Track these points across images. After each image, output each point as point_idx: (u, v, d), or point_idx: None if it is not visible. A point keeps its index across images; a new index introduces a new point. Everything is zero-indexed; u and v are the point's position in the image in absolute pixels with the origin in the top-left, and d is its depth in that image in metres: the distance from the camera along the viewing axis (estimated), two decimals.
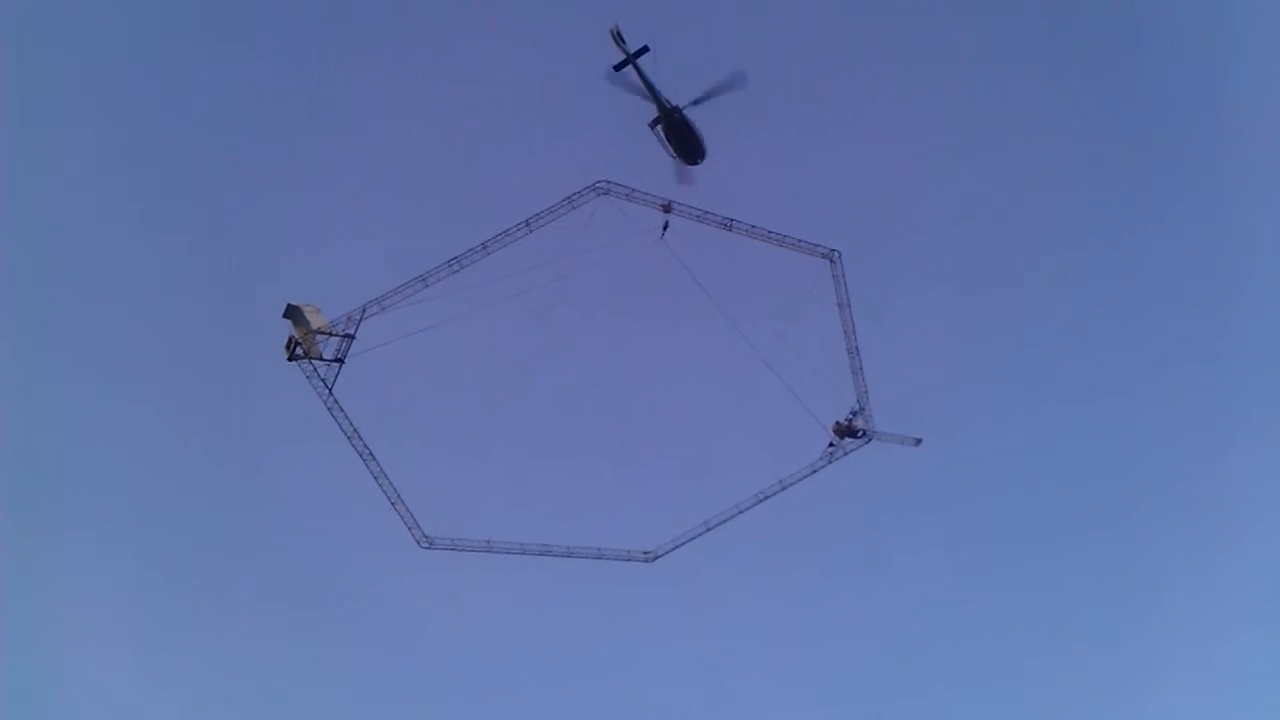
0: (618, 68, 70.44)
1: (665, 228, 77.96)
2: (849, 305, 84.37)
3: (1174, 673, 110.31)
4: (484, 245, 71.22)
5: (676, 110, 74.34)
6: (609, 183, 73.95)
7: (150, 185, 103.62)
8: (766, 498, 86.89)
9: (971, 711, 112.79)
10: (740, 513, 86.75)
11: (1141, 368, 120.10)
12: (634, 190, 74.93)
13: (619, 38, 69.37)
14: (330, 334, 68.40)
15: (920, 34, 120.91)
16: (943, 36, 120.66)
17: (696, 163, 78.01)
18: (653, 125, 75.23)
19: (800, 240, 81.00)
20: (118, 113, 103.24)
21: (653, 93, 72.35)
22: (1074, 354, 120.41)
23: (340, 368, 69.17)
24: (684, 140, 75.74)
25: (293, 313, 68.89)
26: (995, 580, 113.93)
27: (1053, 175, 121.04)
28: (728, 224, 78.79)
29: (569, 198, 72.65)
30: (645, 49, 69.59)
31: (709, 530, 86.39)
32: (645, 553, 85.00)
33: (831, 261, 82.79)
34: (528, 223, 72.24)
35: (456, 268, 70.86)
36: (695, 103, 73.87)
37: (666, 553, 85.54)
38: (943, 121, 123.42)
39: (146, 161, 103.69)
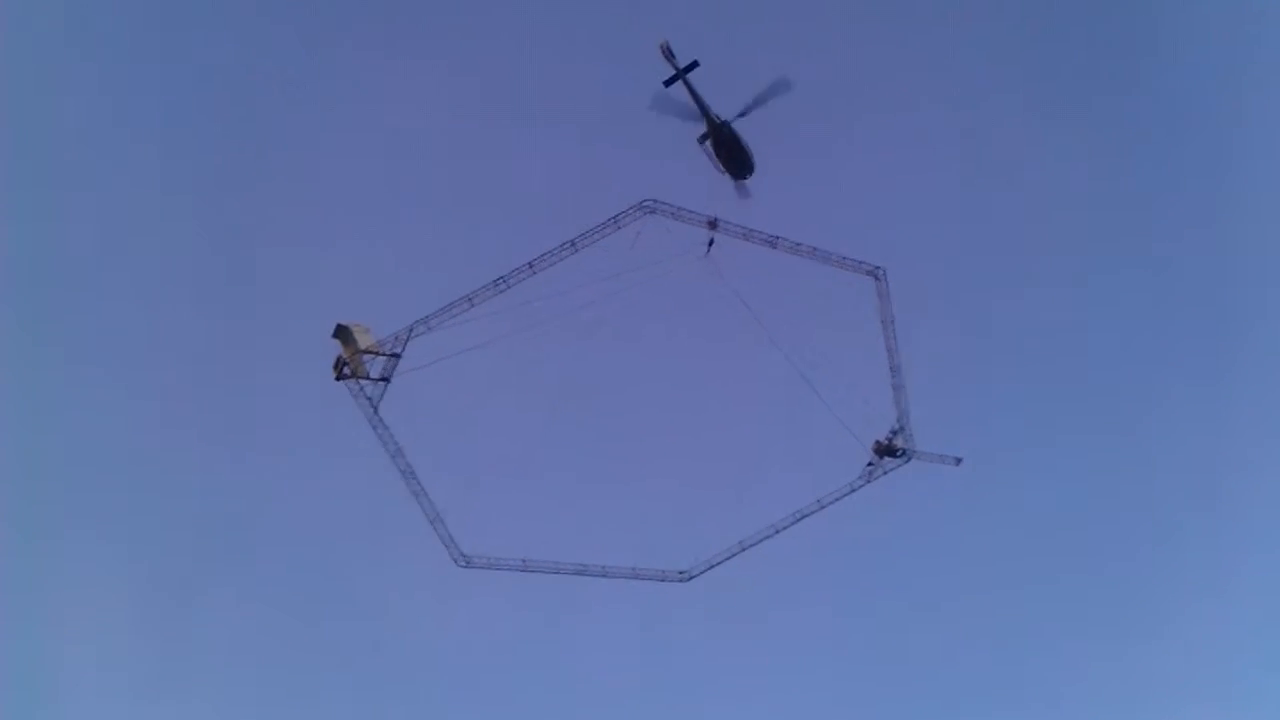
0: (668, 83, 70.50)
1: (710, 244, 77.73)
2: (893, 323, 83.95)
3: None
4: (530, 265, 71.19)
5: (726, 125, 74.29)
6: (655, 201, 73.84)
7: (196, 202, 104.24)
8: (804, 517, 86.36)
9: None
10: (777, 532, 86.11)
11: (1191, 386, 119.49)
12: (679, 209, 74.82)
13: (669, 53, 69.45)
14: (377, 353, 68.40)
15: (966, 44, 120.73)
16: (988, 47, 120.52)
17: (745, 177, 78.00)
18: (701, 140, 75.25)
19: (845, 258, 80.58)
20: (162, 128, 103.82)
21: (702, 108, 72.36)
22: (1117, 373, 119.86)
23: (386, 386, 69.11)
24: (733, 155, 75.74)
25: (341, 332, 69.13)
26: (1034, 601, 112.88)
27: (1101, 194, 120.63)
28: (772, 241, 78.57)
29: (614, 217, 72.64)
30: (695, 64, 69.72)
31: (745, 550, 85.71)
32: (681, 572, 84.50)
33: (876, 279, 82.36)
34: (573, 242, 72.20)
35: (503, 287, 70.87)
36: (742, 114, 73.89)
37: (702, 572, 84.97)
38: (986, 132, 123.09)
39: (193, 178, 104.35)
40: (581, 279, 72.22)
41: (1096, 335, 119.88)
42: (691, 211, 75.24)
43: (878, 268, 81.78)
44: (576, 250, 71.97)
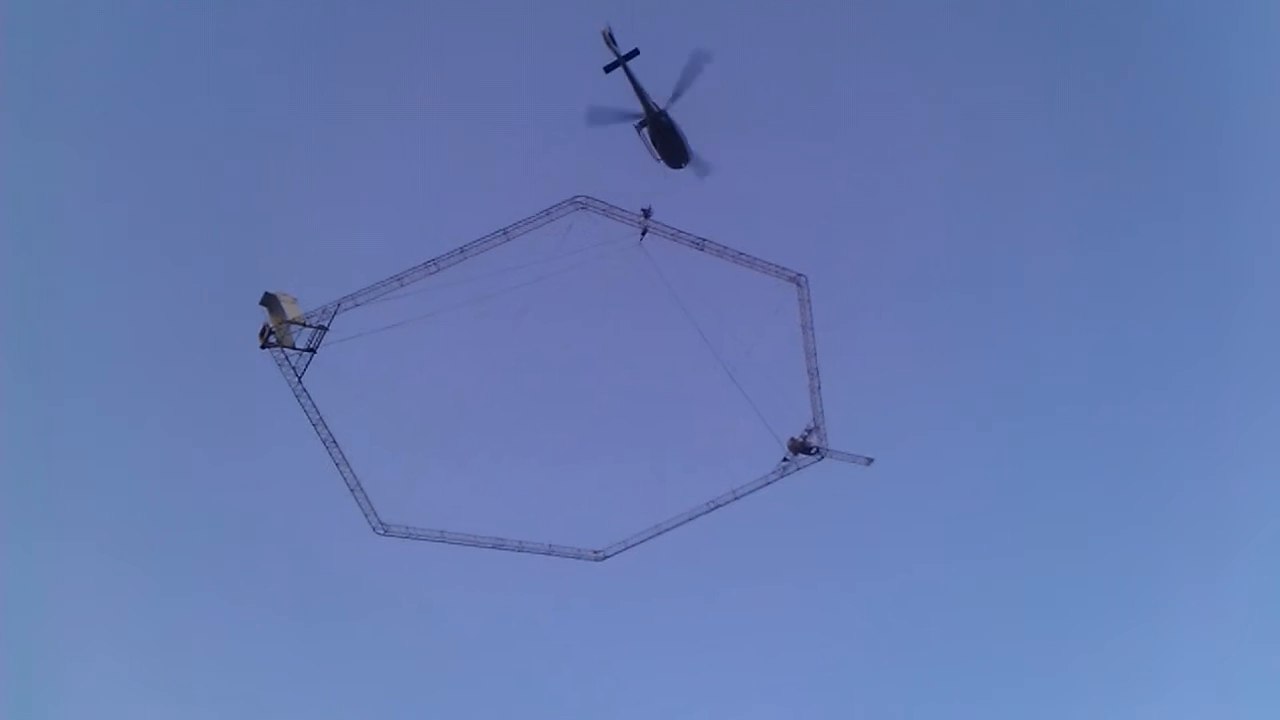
0: (608, 69, 72.94)
1: (644, 233, 79.64)
2: (812, 328, 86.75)
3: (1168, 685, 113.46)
4: (461, 250, 72.70)
5: (663, 114, 76.35)
6: (586, 198, 75.54)
7: (138, 175, 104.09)
8: (718, 506, 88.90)
9: None
10: (691, 519, 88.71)
11: (1107, 393, 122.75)
12: (611, 206, 76.64)
13: (610, 39, 71.62)
14: (304, 325, 69.82)
15: (903, 40, 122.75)
16: (924, 44, 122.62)
17: (680, 166, 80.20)
18: (639, 128, 77.27)
19: (769, 263, 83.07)
20: (109, 104, 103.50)
21: (641, 95, 74.57)
22: (1037, 376, 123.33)
23: (311, 357, 70.67)
24: (669, 143, 77.82)
25: (269, 300, 70.35)
26: (932, 596, 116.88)
27: (1022, 193, 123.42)
28: (700, 243, 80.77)
29: (547, 210, 74.22)
30: (636, 52, 72.35)
31: (660, 534, 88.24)
32: (595, 551, 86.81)
33: (798, 285, 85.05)
34: (505, 231, 73.79)
35: (433, 269, 72.31)
36: (674, 97, 75.95)
37: (616, 553, 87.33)
38: (921, 133, 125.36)
39: (136, 151, 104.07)
40: (511, 266, 73.71)
41: (1018, 339, 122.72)
42: (622, 210, 77.15)
43: (799, 275, 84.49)
44: (508, 239, 73.56)
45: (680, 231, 78.98)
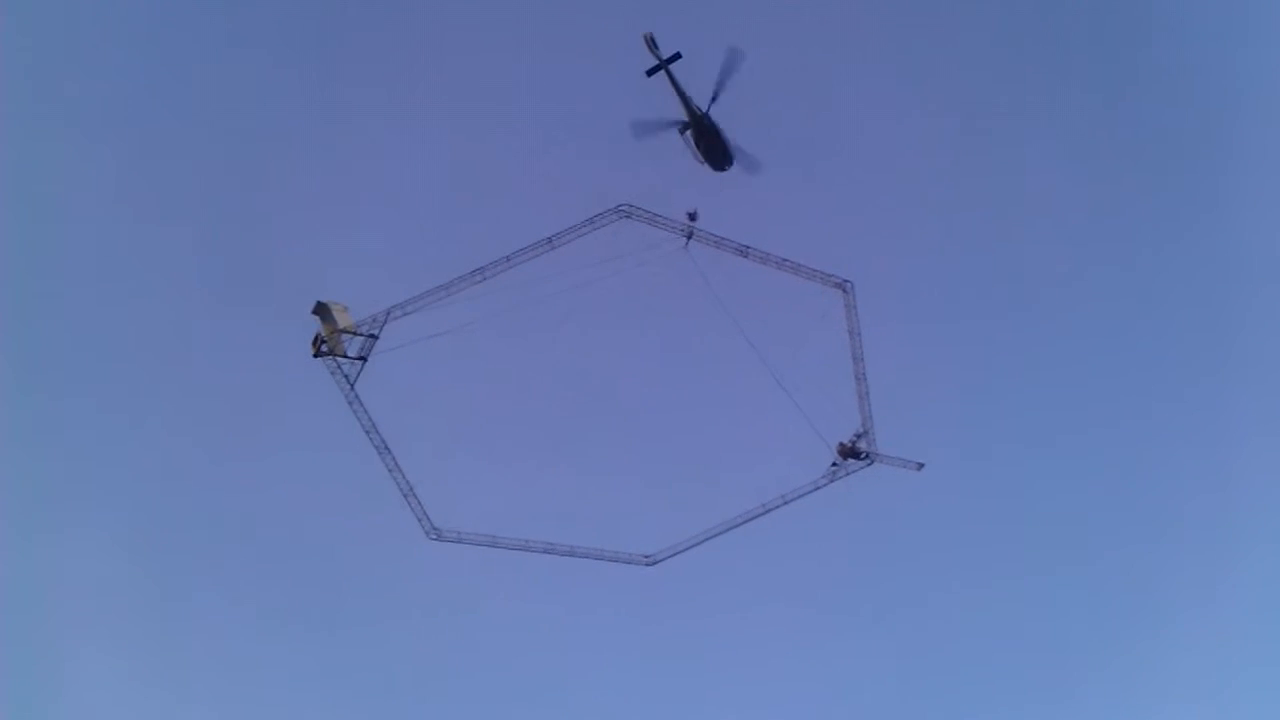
0: (650, 73, 73.75)
1: (690, 237, 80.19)
2: (859, 333, 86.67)
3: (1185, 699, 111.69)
4: (508, 258, 74.00)
5: (705, 116, 76.96)
6: (630, 206, 76.40)
7: (185, 179, 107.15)
8: (768, 511, 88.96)
9: None
10: (741, 523, 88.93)
11: (1152, 397, 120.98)
12: (655, 215, 77.41)
13: (652, 44, 72.54)
14: (355, 333, 71.62)
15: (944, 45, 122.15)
16: (972, 53, 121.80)
17: (724, 169, 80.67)
18: (682, 131, 78.01)
19: (815, 270, 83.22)
20: (146, 106, 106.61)
21: (684, 98, 75.30)
22: (1082, 383, 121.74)
23: (363, 365, 72.42)
24: (712, 146, 78.36)
25: (321, 310, 72.33)
26: (989, 603, 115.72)
27: (1067, 200, 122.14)
28: (743, 250, 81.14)
29: (591, 219, 75.23)
30: (678, 55, 73.13)
31: (710, 538, 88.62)
32: (646, 556, 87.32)
33: (844, 291, 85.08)
34: (550, 239, 74.96)
35: (480, 278, 73.72)
36: (714, 99, 76.43)
37: (666, 558, 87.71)
38: (963, 135, 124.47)
39: (179, 154, 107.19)
40: (558, 274, 74.87)
41: (1064, 347, 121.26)
42: (666, 219, 77.78)
43: (846, 281, 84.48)
44: (554, 248, 74.69)
45: (724, 239, 79.42)
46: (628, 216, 75.79)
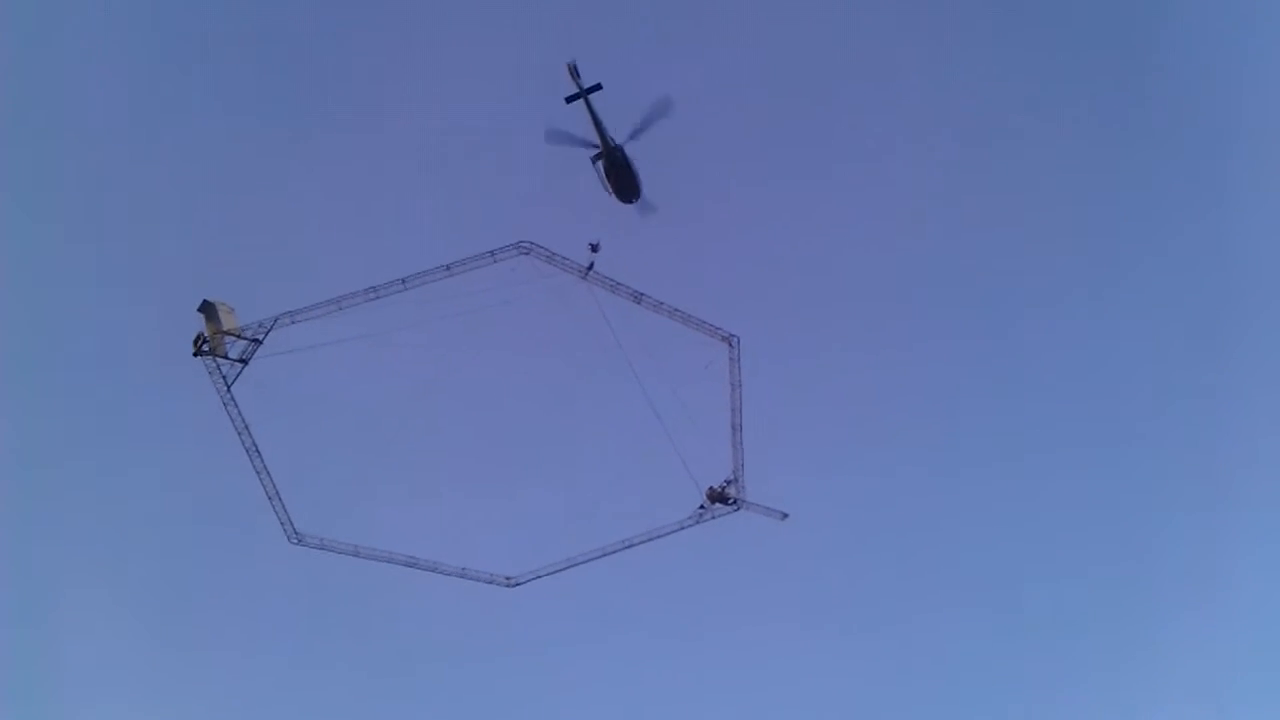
0: (569, 99, 74.94)
1: (590, 267, 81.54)
2: (740, 385, 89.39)
3: None
4: (403, 280, 74.24)
5: (619, 149, 78.54)
6: (531, 244, 77.46)
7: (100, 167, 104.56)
8: (631, 545, 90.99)
9: None
10: (604, 555, 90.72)
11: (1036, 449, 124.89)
12: (554, 255, 78.55)
13: (575, 72, 73.99)
14: (239, 336, 71.06)
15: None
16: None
17: (631, 201, 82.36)
18: (594, 160, 79.41)
19: (703, 322, 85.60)
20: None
21: (599, 128, 76.75)
22: (962, 441, 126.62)
23: (243, 368, 71.86)
24: (622, 178, 79.97)
25: (207, 309, 71.60)
26: (830, 653, 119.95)
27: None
28: (637, 298, 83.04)
29: (491, 252, 76.04)
30: (598, 86, 74.75)
31: (572, 566, 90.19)
32: (508, 578, 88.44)
33: (730, 345, 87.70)
34: (449, 267, 75.50)
35: (373, 296, 73.79)
36: (632, 136, 78.28)
37: (528, 580, 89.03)
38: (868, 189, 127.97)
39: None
40: (452, 301, 75.39)
41: (936, 407, 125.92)
42: (566, 259, 79.00)
43: (732, 335, 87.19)
44: (451, 275, 75.23)
45: (619, 284, 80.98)
46: (527, 253, 76.63)
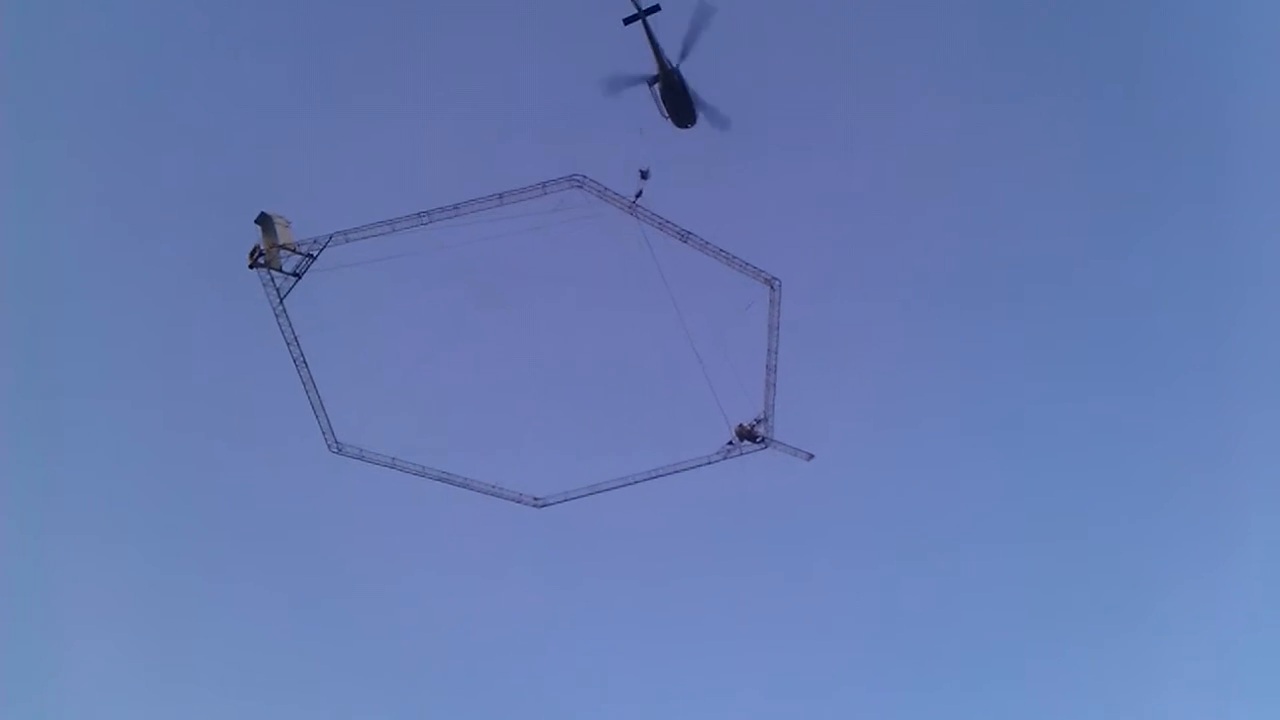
0: (627, 21, 74.46)
1: (638, 195, 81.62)
2: (778, 328, 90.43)
3: None
4: (455, 206, 75.04)
5: (675, 71, 78.25)
6: (583, 177, 77.85)
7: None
8: (657, 476, 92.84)
9: None
10: (631, 483, 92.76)
11: (1064, 402, 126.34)
12: (605, 189, 78.99)
13: None
14: (294, 250, 72.32)
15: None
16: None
17: (687, 125, 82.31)
18: (650, 84, 79.29)
19: (747, 264, 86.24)
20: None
21: (656, 51, 76.19)
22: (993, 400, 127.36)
23: (296, 282, 73.33)
24: (679, 102, 79.69)
25: (264, 221, 72.52)
26: (841, 594, 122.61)
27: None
28: (684, 236, 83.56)
29: (544, 183, 76.55)
30: (657, 7, 73.81)
31: (599, 492, 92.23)
32: (536, 498, 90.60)
33: (771, 288, 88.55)
34: (500, 196, 76.12)
35: (425, 221, 74.65)
36: (683, 56, 77.96)
37: (556, 503, 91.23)
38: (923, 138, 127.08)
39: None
40: (502, 229, 76.34)
41: (967, 360, 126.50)
42: (618, 195, 79.43)
43: (774, 278, 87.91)
44: (502, 204, 75.95)
45: (667, 221, 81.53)
46: (579, 186, 77.13)
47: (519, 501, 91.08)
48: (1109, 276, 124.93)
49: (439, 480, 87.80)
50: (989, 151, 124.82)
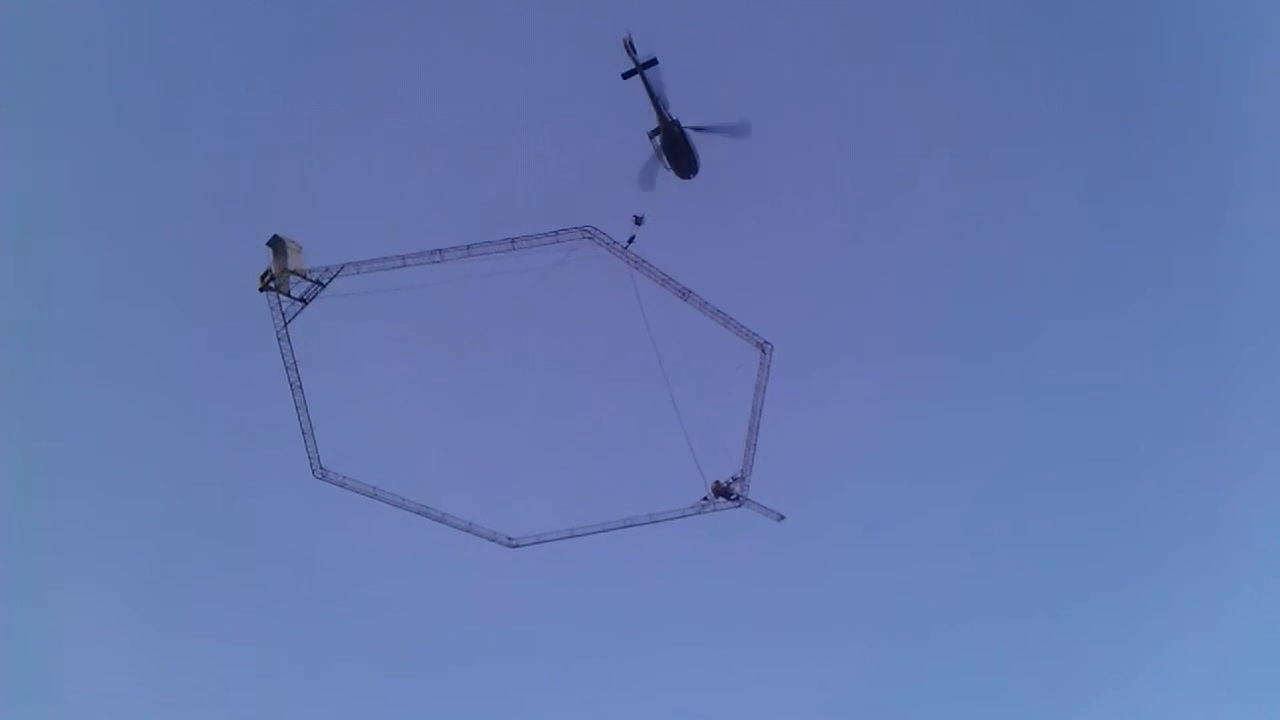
0: (626, 76, 76.20)
1: (631, 240, 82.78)
2: (765, 390, 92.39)
3: None
4: (468, 247, 76.29)
5: (676, 124, 79.91)
6: (594, 229, 79.59)
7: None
8: (631, 525, 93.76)
9: None
10: (605, 531, 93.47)
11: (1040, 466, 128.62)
12: (615, 242, 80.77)
13: (630, 47, 74.97)
14: (304, 277, 73.01)
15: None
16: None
17: (689, 177, 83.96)
18: (651, 135, 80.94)
19: (742, 326, 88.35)
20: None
21: (656, 104, 77.81)
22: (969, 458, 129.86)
23: (302, 308, 73.90)
24: (680, 154, 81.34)
25: (276, 244, 73.23)
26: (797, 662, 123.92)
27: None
28: (684, 294, 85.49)
29: (556, 232, 78.13)
30: (654, 61, 75.81)
31: (572, 537, 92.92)
32: (510, 538, 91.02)
33: (763, 351, 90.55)
34: (512, 241, 77.57)
35: (437, 259, 75.81)
36: (697, 129, 79.81)
37: (529, 544, 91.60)
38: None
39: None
40: (509, 271, 77.72)
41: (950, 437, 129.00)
42: (624, 247, 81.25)
43: (766, 343, 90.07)
44: (514, 248, 77.34)
45: (669, 278, 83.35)
46: (589, 237, 78.74)
47: (493, 540, 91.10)
48: (1103, 343, 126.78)
49: (417, 513, 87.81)
50: (990, 226, 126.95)
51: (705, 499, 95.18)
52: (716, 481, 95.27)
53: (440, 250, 75.17)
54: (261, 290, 72.42)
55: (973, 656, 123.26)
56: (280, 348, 74.97)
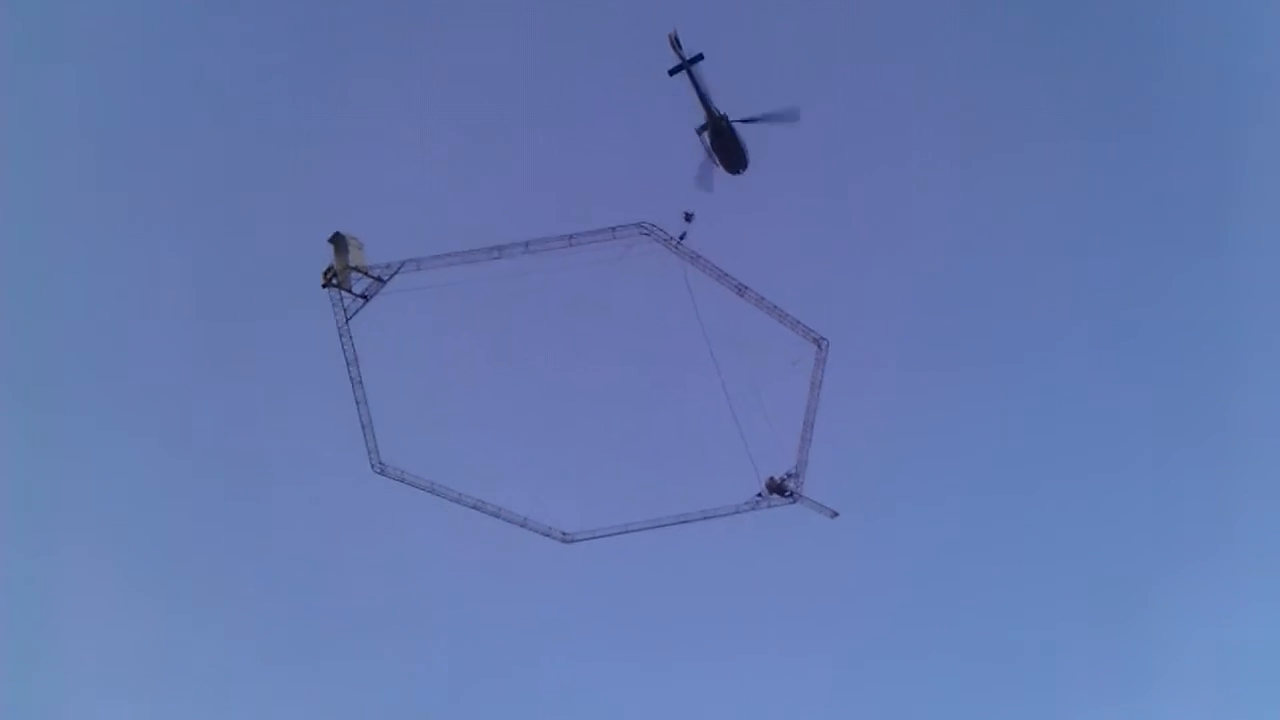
0: (672, 72, 75.45)
1: (683, 236, 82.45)
2: (820, 386, 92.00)
3: None
4: (527, 244, 76.80)
5: (724, 119, 79.32)
6: (651, 225, 79.71)
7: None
8: (686, 521, 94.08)
9: None
10: (659, 527, 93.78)
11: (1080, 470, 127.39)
12: (671, 237, 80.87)
13: (676, 43, 74.22)
14: (365, 273, 73.95)
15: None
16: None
17: (738, 172, 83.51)
18: (700, 131, 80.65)
19: (798, 321, 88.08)
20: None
21: (703, 99, 77.20)
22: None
23: (364, 304, 74.88)
24: (728, 149, 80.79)
25: (337, 240, 74.15)
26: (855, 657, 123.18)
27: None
28: (740, 289, 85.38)
29: (613, 228, 78.36)
30: (700, 56, 74.77)
31: (627, 532, 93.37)
32: (564, 534, 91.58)
33: (819, 347, 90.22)
34: (570, 238, 77.94)
35: (496, 255, 76.45)
36: (745, 120, 79.48)
37: (583, 540, 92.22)
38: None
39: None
40: (567, 269, 78.26)
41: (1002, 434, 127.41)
42: (680, 243, 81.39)
43: (822, 338, 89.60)
44: (571, 245, 77.76)
45: (725, 274, 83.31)
46: (646, 234, 78.96)
47: (547, 535, 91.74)
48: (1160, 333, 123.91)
49: (473, 508, 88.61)
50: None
51: (759, 495, 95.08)
52: (770, 477, 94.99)
53: (499, 247, 75.61)
54: (324, 286, 73.19)
55: (1032, 660, 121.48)
56: (341, 343, 75.86)
